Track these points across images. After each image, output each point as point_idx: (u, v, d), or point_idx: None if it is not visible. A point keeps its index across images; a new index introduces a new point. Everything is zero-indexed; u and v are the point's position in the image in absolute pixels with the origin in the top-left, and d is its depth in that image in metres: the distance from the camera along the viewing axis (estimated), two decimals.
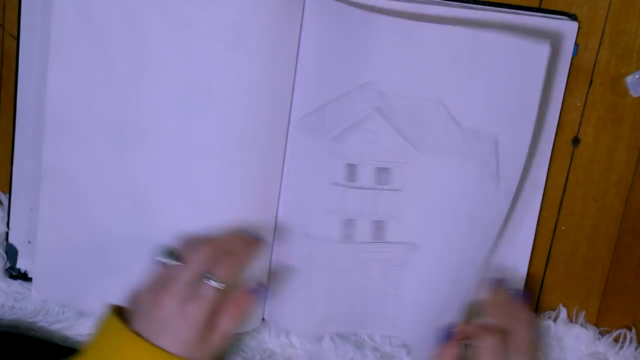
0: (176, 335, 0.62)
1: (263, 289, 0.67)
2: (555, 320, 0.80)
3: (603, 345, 0.79)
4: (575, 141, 0.78)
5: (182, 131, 0.73)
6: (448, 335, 0.69)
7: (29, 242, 0.80)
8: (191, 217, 0.74)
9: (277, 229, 0.77)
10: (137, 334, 0.63)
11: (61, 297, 0.79)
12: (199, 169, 0.73)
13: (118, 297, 0.67)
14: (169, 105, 0.73)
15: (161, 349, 0.62)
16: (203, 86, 0.72)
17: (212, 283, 0.64)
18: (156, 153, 0.74)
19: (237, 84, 0.72)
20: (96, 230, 0.76)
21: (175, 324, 0.63)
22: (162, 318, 0.63)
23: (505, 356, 0.67)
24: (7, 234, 0.81)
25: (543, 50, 0.70)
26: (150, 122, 0.73)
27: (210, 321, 0.64)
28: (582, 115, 0.77)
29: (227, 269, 0.65)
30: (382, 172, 0.75)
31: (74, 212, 0.76)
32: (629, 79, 0.76)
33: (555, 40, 0.73)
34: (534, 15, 0.74)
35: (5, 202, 0.81)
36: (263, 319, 0.80)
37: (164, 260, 0.66)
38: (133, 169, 0.74)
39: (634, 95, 0.76)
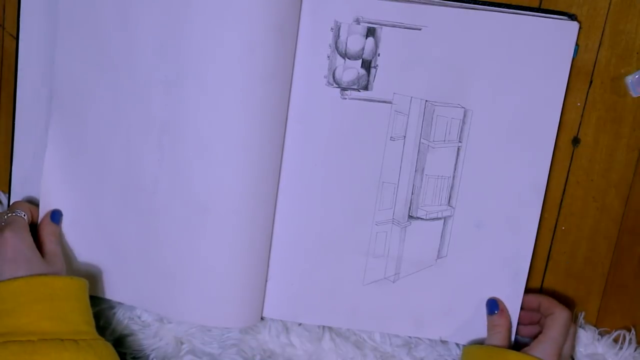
0: (16, 263, 0.71)
1: (58, 211, 0.77)
2: None
3: (602, 346, 0.79)
4: (575, 141, 0.77)
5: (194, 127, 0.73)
6: (497, 307, 0.77)
7: None
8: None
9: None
10: None
11: None
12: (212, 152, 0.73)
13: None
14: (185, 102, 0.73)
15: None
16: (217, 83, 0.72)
17: (15, 213, 0.74)
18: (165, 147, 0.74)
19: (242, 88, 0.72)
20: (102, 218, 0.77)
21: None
22: None
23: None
24: None
25: (572, 27, 0.73)
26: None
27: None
28: (582, 115, 0.77)
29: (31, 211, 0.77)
30: None
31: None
32: (629, 79, 0.75)
33: (555, 41, 0.74)
34: (534, 16, 0.74)
35: (5, 202, 0.81)
36: (262, 317, 0.80)
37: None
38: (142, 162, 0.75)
39: (634, 95, 0.76)
